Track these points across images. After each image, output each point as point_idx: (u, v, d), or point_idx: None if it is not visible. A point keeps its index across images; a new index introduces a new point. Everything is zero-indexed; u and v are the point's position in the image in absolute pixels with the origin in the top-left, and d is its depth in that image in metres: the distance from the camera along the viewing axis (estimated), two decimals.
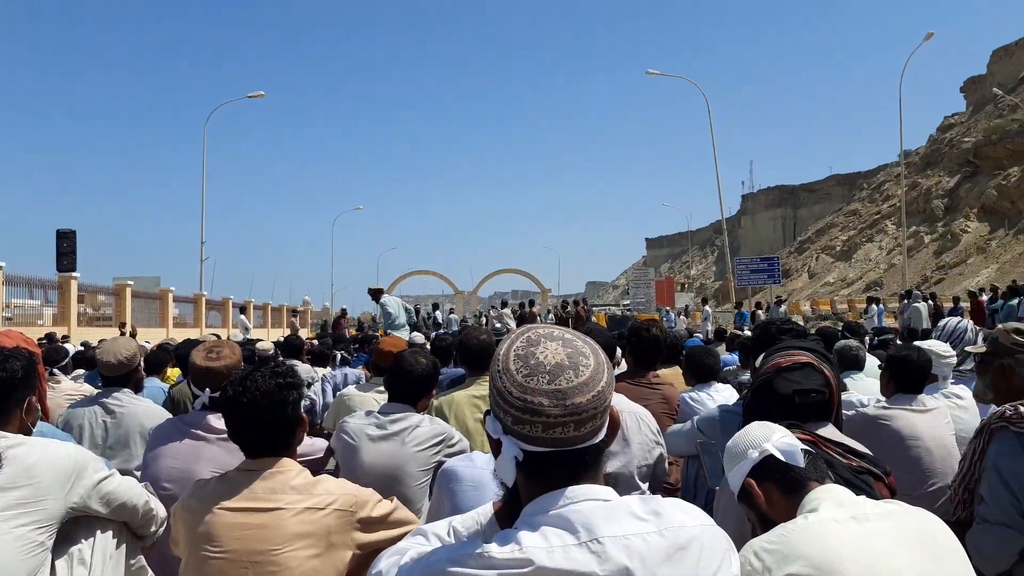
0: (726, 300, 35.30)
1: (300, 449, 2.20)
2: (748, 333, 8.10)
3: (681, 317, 27.81)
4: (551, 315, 27.22)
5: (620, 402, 3.01)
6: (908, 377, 3.33)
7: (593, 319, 23.35)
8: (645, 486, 2.96)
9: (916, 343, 4.52)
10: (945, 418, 3.34)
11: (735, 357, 6.27)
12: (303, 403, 2.17)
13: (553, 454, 1.14)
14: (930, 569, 1.43)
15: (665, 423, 3.65)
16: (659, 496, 1.20)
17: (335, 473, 2.66)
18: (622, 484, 2.90)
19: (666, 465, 3.10)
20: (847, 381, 4.73)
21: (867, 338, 7.41)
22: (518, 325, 19.71)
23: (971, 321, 5.31)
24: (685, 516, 1.15)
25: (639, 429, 2.98)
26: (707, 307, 23.65)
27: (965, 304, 19.58)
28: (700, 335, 11.83)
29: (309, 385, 5.68)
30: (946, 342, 4.24)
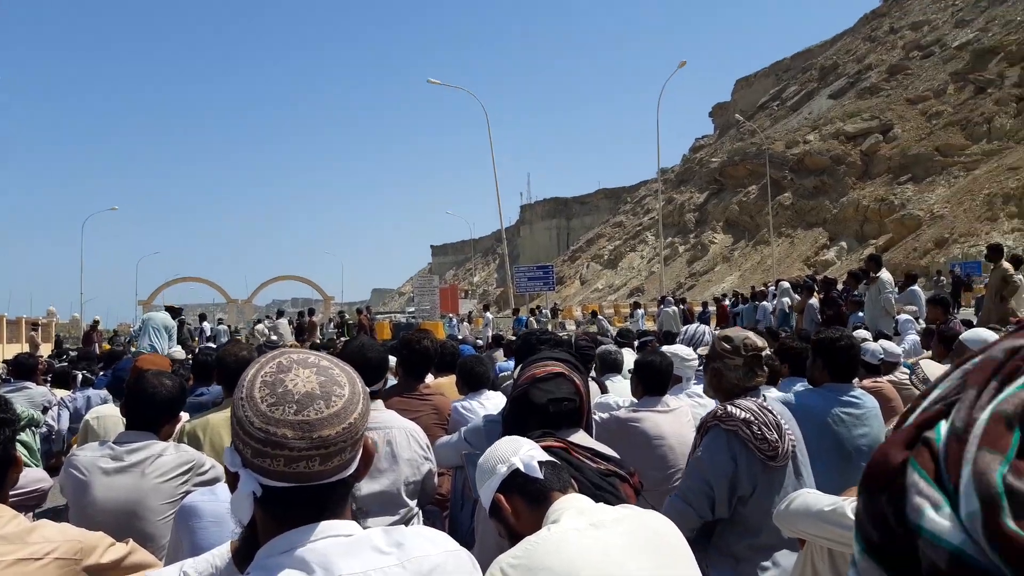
0: (507, 306, 36.54)
1: (14, 489, 1.92)
2: None
3: (465, 323, 28.36)
4: (332, 325, 26.50)
5: (390, 418, 2.96)
6: (653, 380, 3.60)
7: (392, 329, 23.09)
8: (413, 503, 2.94)
9: (663, 347, 4.93)
10: (686, 417, 3.63)
11: (511, 363, 6.46)
12: (39, 431, 1.89)
13: (295, 489, 1.07)
14: (659, 568, 1.54)
15: (437, 433, 3.65)
16: (403, 527, 1.17)
17: (65, 513, 2.36)
18: (388, 503, 2.85)
19: (435, 480, 3.10)
20: (607, 383, 5.05)
21: (635, 342, 7.99)
22: (296, 336, 18.82)
23: (709, 325, 5.91)
24: (429, 545, 1.13)
25: (408, 445, 2.95)
26: (488, 313, 24.29)
27: (712, 308, 21.86)
28: (482, 341, 12.10)
29: (46, 410, 5.02)
30: (688, 345, 4.68)
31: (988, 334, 4.15)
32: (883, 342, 6.31)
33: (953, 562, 0.38)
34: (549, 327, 24.45)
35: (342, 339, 16.41)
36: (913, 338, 8.68)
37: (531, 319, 22.92)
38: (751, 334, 2.95)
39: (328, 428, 1.06)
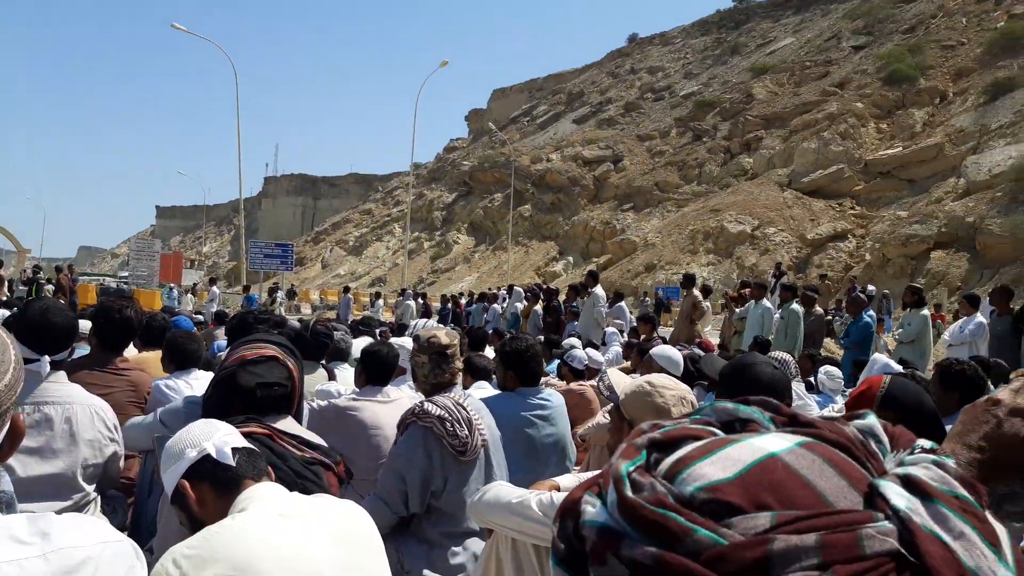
0: (238, 282, 34.48)
1: None
2: None
3: (188, 296, 26.29)
4: (22, 282, 23.09)
5: (73, 393, 2.65)
6: (377, 370, 3.61)
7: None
8: (91, 488, 2.65)
9: (392, 339, 4.97)
10: (405, 408, 3.71)
11: None
12: None
13: None
14: (347, 560, 1.53)
15: (132, 413, 3.33)
16: (52, 515, 1.04)
17: None
18: (62, 486, 2.55)
19: (120, 463, 2.83)
20: (336, 371, 4.98)
21: (378, 331, 7.96)
22: None
23: (448, 322, 6.08)
24: (81, 535, 1.01)
25: (91, 424, 2.66)
26: (215, 288, 22.72)
27: (450, 304, 22.50)
28: (204, 316, 11.27)
29: None
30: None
31: (672, 352, 4.73)
32: (589, 350, 6.94)
33: (600, 533, 0.50)
34: (283, 309, 23.49)
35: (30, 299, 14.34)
36: (616, 349, 9.62)
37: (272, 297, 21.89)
38: (440, 332, 3.08)
39: None
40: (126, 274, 36.73)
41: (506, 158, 45.66)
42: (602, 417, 3.96)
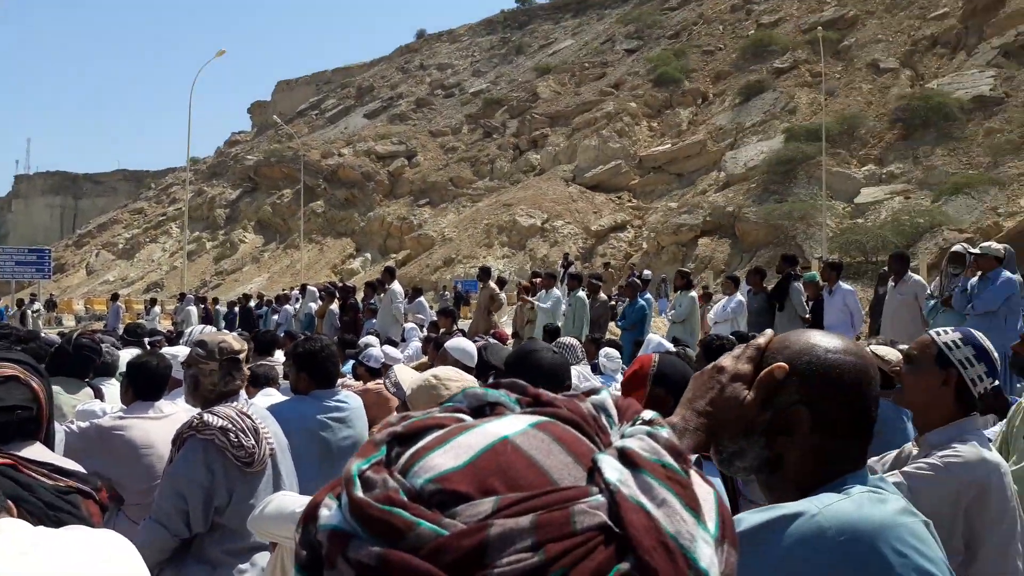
0: None
1: None
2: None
3: None
4: None
5: None
6: (147, 383, 3.30)
7: None
8: None
9: (164, 349, 4.58)
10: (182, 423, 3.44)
11: None
12: None
13: None
14: None
15: None
16: None
17: None
18: None
19: None
20: (102, 387, 4.49)
21: (148, 341, 7.27)
22: None
23: (234, 327, 5.70)
24: None
25: None
26: None
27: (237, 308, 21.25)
28: None
29: None
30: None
31: (466, 343, 4.79)
32: (387, 348, 6.86)
33: (331, 536, 0.50)
34: (40, 322, 21.00)
35: None
36: (416, 344, 9.62)
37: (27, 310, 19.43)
38: (229, 337, 2.91)
39: None
40: None
41: (294, 152, 43.95)
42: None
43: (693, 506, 0.52)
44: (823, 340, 1.19)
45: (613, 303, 13.04)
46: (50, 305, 28.22)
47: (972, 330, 2.60)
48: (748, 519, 1.11)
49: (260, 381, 4.63)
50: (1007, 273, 6.75)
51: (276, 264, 40.53)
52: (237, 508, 2.53)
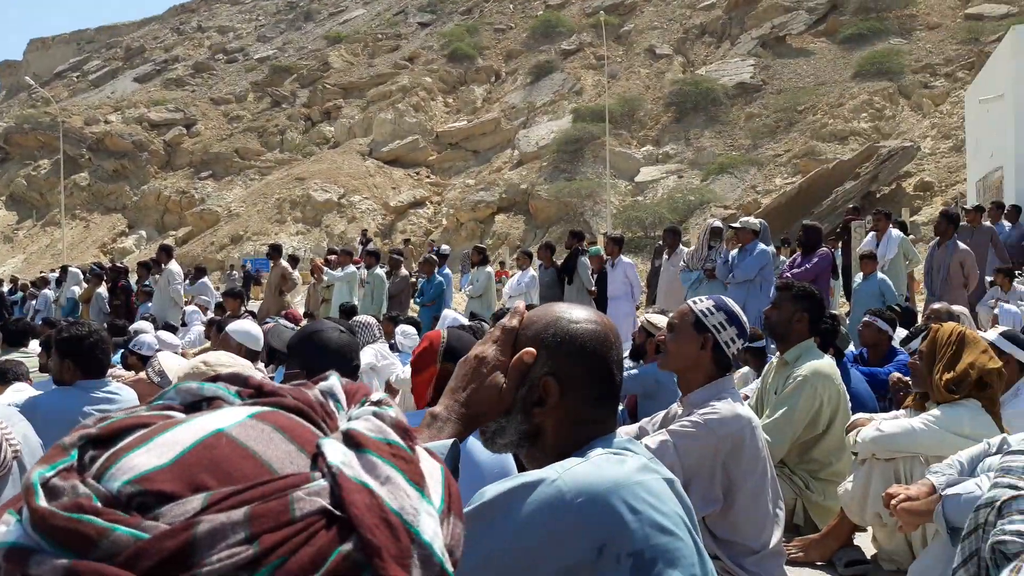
0: None
1: None
2: None
3: None
4: None
5: None
6: None
7: None
8: None
9: None
10: None
11: None
12: None
13: None
14: None
15: None
16: None
17: None
18: None
19: None
20: None
21: None
22: None
23: None
24: None
25: None
26: None
27: None
28: None
29: None
30: None
31: (250, 326, 4.53)
32: (162, 333, 6.33)
33: (8, 554, 0.44)
34: None
35: None
36: (199, 329, 8.98)
37: None
38: None
39: None
40: None
41: (52, 118, 39.14)
42: None
43: (417, 481, 0.53)
44: (566, 312, 1.26)
45: (414, 279, 12.99)
46: None
47: (723, 297, 2.85)
48: (492, 489, 1.13)
49: (8, 377, 4.09)
50: (762, 245, 7.54)
51: (33, 244, 36.06)
52: None
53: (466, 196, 30.04)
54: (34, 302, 13.38)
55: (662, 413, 3.09)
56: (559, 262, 9.84)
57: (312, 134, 38.72)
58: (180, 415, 0.53)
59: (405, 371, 4.28)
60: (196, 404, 0.55)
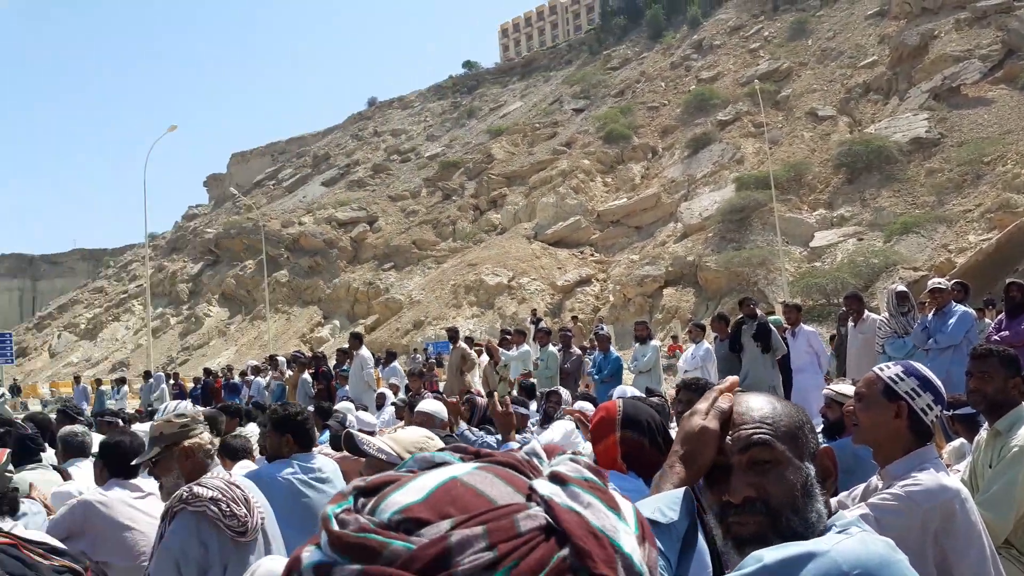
0: None
1: None
2: None
3: None
4: None
5: None
6: (122, 462, 3.29)
7: None
8: None
9: (134, 426, 4.56)
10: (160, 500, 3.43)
11: None
12: None
13: None
14: None
15: None
16: None
17: None
18: None
19: None
20: (71, 469, 4.43)
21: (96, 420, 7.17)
22: None
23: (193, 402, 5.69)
24: None
25: None
26: None
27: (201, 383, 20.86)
28: None
29: None
30: None
31: (435, 404, 4.89)
32: (360, 413, 6.86)
33: (314, 570, 0.60)
34: (8, 408, 20.42)
35: None
36: (391, 409, 9.58)
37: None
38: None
39: None
40: None
41: (254, 223, 43.87)
42: None
43: (614, 506, 0.66)
44: (773, 405, 1.33)
45: (585, 357, 13.13)
46: (15, 390, 27.47)
47: (912, 362, 2.73)
48: (768, 555, 1.22)
49: (237, 454, 4.60)
50: (961, 307, 7.01)
51: (243, 336, 40.01)
52: None
53: (631, 271, 30.12)
54: (248, 389, 14.85)
55: (861, 486, 2.98)
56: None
57: (481, 222, 40.67)
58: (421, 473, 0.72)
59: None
60: (429, 468, 0.74)
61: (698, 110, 39.33)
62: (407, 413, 6.66)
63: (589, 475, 0.68)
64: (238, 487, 2.66)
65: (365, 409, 8.75)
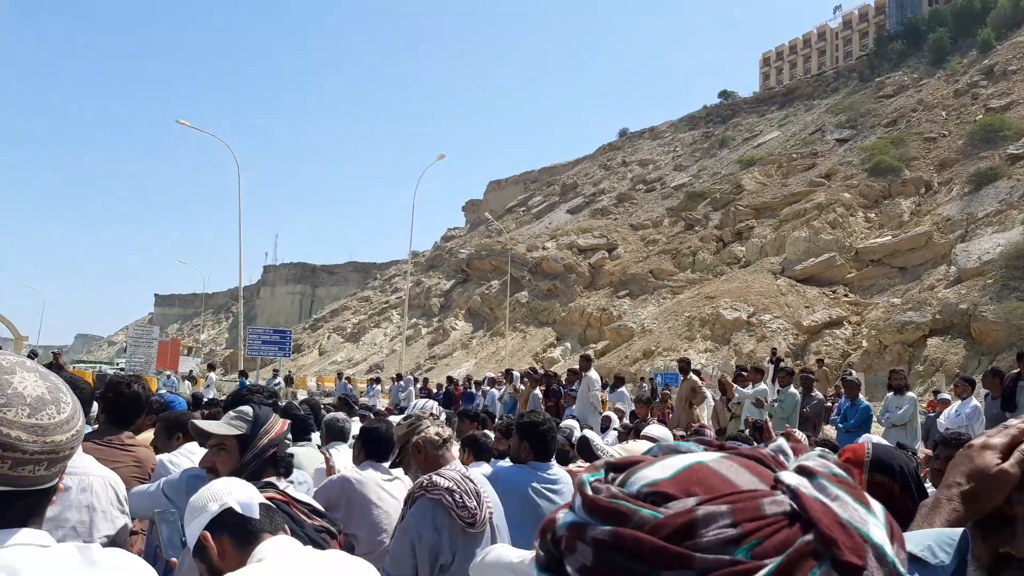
0: (234, 369, 34.35)
1: None
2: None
3: (186, 383, 26.16)
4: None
5: (88, 464, 2.71)
6: (376, 447, 3.68)
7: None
8: None
9: (390, 418, 5.03)
10: (408, 484, 3.76)
11: None
12: None
13: (11, 494, 1.04)
14: None
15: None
16: (97, 545, 1.15)
17: None
18: None
19: (128, 535, 2.87)
20: (332, 451, 5.01)
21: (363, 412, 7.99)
22: None
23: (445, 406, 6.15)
24: (124, 564, 1.12)
25: (106, 496, 2.72)
26: (212, 374, 22.68)
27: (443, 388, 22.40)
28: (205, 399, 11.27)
29: None
30: None
31: (663, 431, 4.83)
32: (588, 432, 6.97)
33: (569, 528, 0.64)
34: (281, 394, 23.35)
35: None
36: (614, 434, 9.62)
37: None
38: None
39: (60, 433, 1.06)
40: (123, 361, 36.65)
41: (502, 246, 46.35)
42: None
43: (863, 501, 0.65)
44: None
45: (828, 403, 12.22)
46: (288, 381, 31.45)
47: None
48: None
49: (482, 453, 4.89)
50: None
51: (483, 350, 42.30)
52: (461, 566, 2.70)
53: (891, 316, 27.39)
54: (483, 399, 15.71)
55: None
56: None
57: (723, 254, 39.43)
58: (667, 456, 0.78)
59: None
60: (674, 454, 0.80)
61: (984, 142, 35.06)
62: (632, 437, 6.66)
63: (838, 471, 0.69)
64: (471, 481, 2.87)
65: (591, 429, 8.87)
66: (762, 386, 10.69)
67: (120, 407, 3.54)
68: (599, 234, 46.79)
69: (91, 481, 2.65)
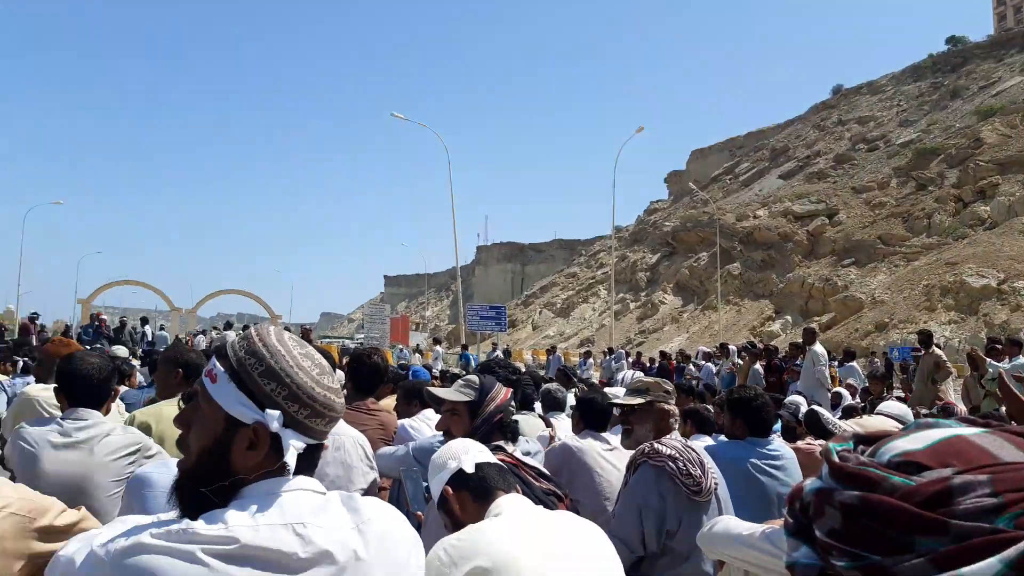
0: (457, 343, 36.46)
1: None
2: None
3: (415, 355, 28.27)
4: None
5: (339, 427, 3.03)
6: (593, 416, 3.74)
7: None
8: None
9: (606, 389, 5.08)
10: (626, 455, 3.80)
11: None
12: None
13: (315, 447, 1.21)
14: (587, 564, 1.65)
15: (380, 448, 3.73)
16: (357, 494, 1.28)
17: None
18: None
19: (377, 490, 3.17)
20: (552, 420, 5.18)
21: (581, 385, 8.18)
22: None
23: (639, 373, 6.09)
24: (382, 512, 1.25)
25: (356, 453, 3.03)
26: (438, 347, 24.27)
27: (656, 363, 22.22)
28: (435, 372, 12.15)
29: None
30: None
31: (901, 407, 4.45)
32: (816, 407, 6.59)
33: (816, 493, 0.66)
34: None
35: None
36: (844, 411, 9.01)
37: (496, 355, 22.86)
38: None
39: (340, 396, 1.23)
40: (362, 336, 40.36)
41: (709, 217, 44.78)
42: None
43: None
44: None
45: None
46: (506, 354, 32.87)
47: None
48: None
49: (704, 425, 4.83)
50: None
51: (695, 324, 41.33)
52: (686, 534, 2.68)
53: None
54: (697, 372, 15.41)
55: None
56: None
57: (964, 216, 35.24)
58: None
59: None
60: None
61: None
62: (870, 411, 6.21)
63: None
64: (694, 451, 2.84)
65: (818, 405, 8.37)
66: (1021, 359, 9.45)
67: (363, 376, 3.91)
68: (817, 199, 43.70)
69: (343, 440, 2.96)
